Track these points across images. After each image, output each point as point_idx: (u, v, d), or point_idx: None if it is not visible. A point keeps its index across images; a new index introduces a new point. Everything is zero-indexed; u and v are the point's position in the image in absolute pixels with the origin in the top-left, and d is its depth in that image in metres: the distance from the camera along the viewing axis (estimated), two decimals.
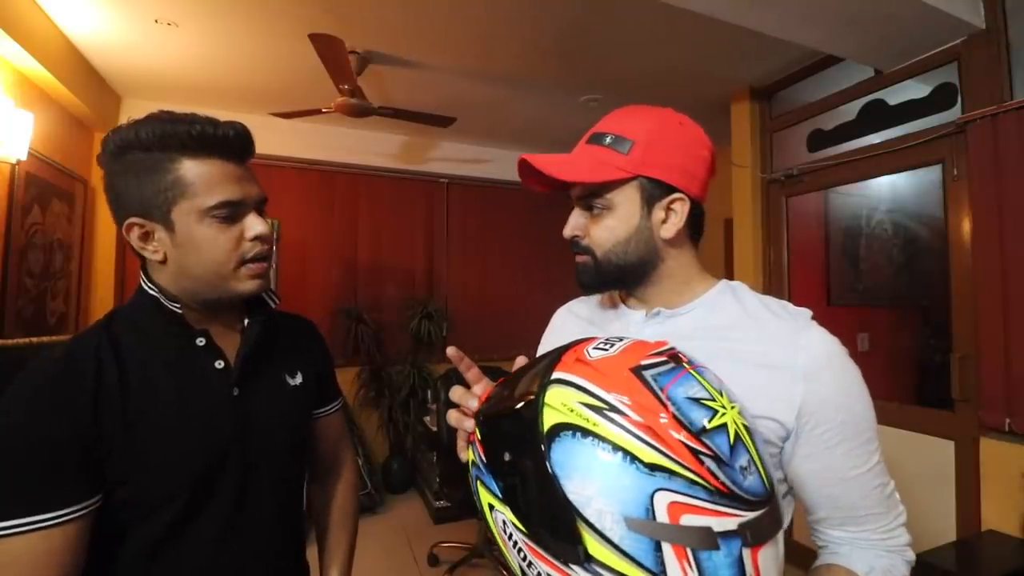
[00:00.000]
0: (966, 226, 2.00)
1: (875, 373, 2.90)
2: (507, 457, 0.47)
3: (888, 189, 2.69)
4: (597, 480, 0.41)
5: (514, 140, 4.06)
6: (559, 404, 0.45)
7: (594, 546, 0.40)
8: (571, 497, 0.42)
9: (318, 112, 2.81)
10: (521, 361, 0.61)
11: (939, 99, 2.14)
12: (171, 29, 2.40)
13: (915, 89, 2.24)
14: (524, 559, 0.46)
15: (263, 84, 3.00)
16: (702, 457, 0.42)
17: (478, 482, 0.51)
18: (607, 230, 0.70)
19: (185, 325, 0.74)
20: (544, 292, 4.32)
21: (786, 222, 2.82)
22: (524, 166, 0.71)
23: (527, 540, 0.45)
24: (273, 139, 3.47)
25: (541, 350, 0.83)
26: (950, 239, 2.07)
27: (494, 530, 0.50)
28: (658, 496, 0.40)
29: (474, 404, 0.57)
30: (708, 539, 0.40)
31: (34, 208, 2.49)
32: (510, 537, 0.47)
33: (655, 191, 0.68)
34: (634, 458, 0.41)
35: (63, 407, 0.63)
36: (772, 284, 2.84)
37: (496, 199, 4.39)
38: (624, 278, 0.71)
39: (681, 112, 0.72)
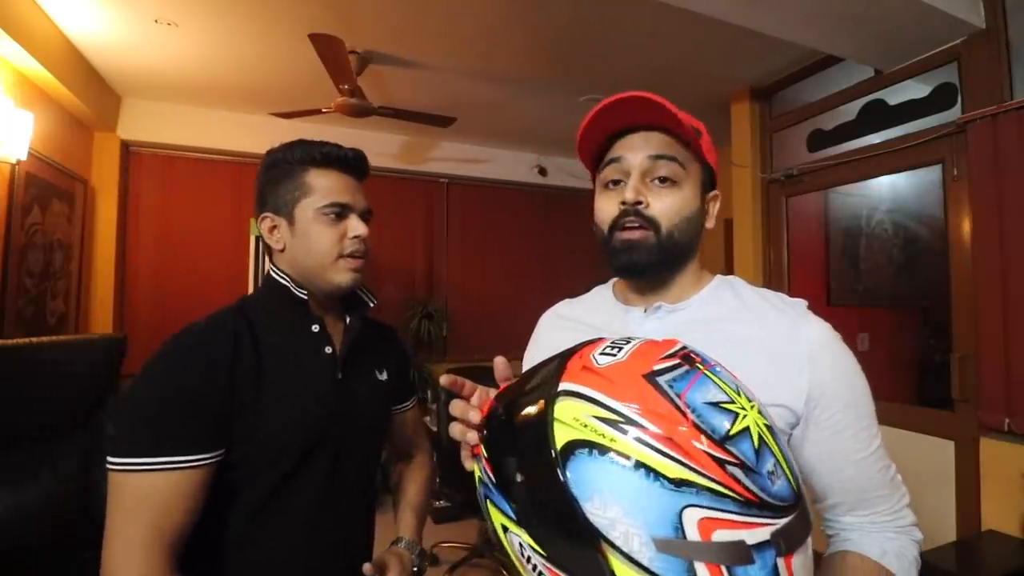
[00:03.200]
0: (966, 226, 2.00)
1: (875, 373, 2.87)
2: (519, 478, 0.44)
3: (888, 189, 2.69)
4: (620, 500, 0.38)
5: (514, 140, 4.06)
6: (571, 419, 0.42)
7: (622, 570, 0.38)
8: (593, 520, 0.39)
9: (318, 112, 2.81)
10: (500, 364, 0.57)
11: (939, 99, 2.14)
12: (171, 29, 2.40)
13: (915, 89, 2.24)
14: None
15: (263, 84, 3.00)
16: (728, 467, 0.39)
17: (488, 501, 0.48)
18: (677, 202, 0.66)
19: (307, 311, 0.86)
20: (544, 292, 4.30)
21: (786, 222, 2.82)
22: (619, 109, 0.64)
23: (548, 564, 0.42)
24: (273, 139, 3.42)
25: (528, 361, 0.80)
26: (950, 239, 2.07)
27: (510, 552, 0.47)
28: (687, 513, 0.38)
29: (476, 416, 0.54)
30: (743, 554, 0.38)
31: (34, 208, 2.49)
32: (528, 560, 0.44)
33: (708, 182, 0.71)
34: (658, 474, 0.38)
35: (206, 366, 0.75)
36: (772, 284, 2.84)
37: (496, 199, 4.39)
38: (673, 261, 0.68)
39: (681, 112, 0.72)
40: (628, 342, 0.49)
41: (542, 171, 4.31)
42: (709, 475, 0.38)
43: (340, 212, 0.85)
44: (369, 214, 0.90)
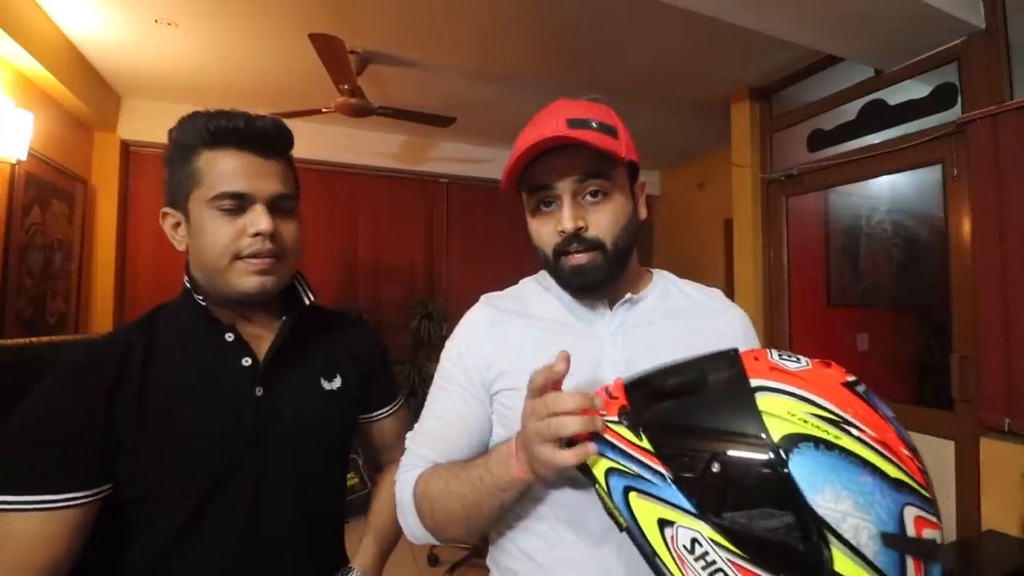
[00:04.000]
0: (966, 226, 2.00)
1: (875, 373, 2.89)
2: (715, 468, 0.44)
3: (888, 189, 2.69)
4: (853, 495, 0.40)
5: (514, 140, 4.05)
6: (784, 413, 0.43)
7: (843, 562, 0.39)
8: (822, 512, 0.40)
9: (318, 112, 2.81)
10: (545, 378, 0.55)
11: (939, 99, 2.14)
12: (171, 29, 2.40)
13: (915, 89, 2.24)
14: None
15: (263, 84, 3.00)
16: (925, 474, 0.43)
17: (632, 494, 0.47)
18: (613, 215, 0.68)
19: (212, 319, 0.73)
20: None
21: (786, 222, 2.81)
22: (533, 150, 0.66)
23: (735, 559, 0.42)
24: None
25: (460, 358, 0.78)
26: (950, 239, 2.06)
27: (660, 547, 0.46)
28: (907, 511, 0.41)
29: (599, 402, 0.53)
30: (937, 551, 0.41)
31: (34, 208, 2.49)
32: (703, 556, 0.43)
33: (634, 175, 0.73)
34: (883, 473, 0.41)
35: (79, 398, 0.65)
36: (772, 284, 2.84)
37: (496, 199, 4.38)
38: (625, 261, 0.71)
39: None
40: (798, 357, 0.51)
41: None
42: (916, 479, 0.42)
43: (236, 204, 0.69)
44: (286, 200, 0.73)
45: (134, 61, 2.74)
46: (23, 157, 2.25)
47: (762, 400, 0.45)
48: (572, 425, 0.52)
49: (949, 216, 2.07)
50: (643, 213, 0.74)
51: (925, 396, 2.67)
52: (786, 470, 0.41)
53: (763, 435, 0.43)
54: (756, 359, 0.49)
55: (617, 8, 2.18)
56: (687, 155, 4.32)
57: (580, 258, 0.67)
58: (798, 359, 0.49)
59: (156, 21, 2.33)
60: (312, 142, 3.63)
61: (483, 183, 4.31)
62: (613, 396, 0.54)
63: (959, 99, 2.06)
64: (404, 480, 0.74)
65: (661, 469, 0.46)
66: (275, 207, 0.72)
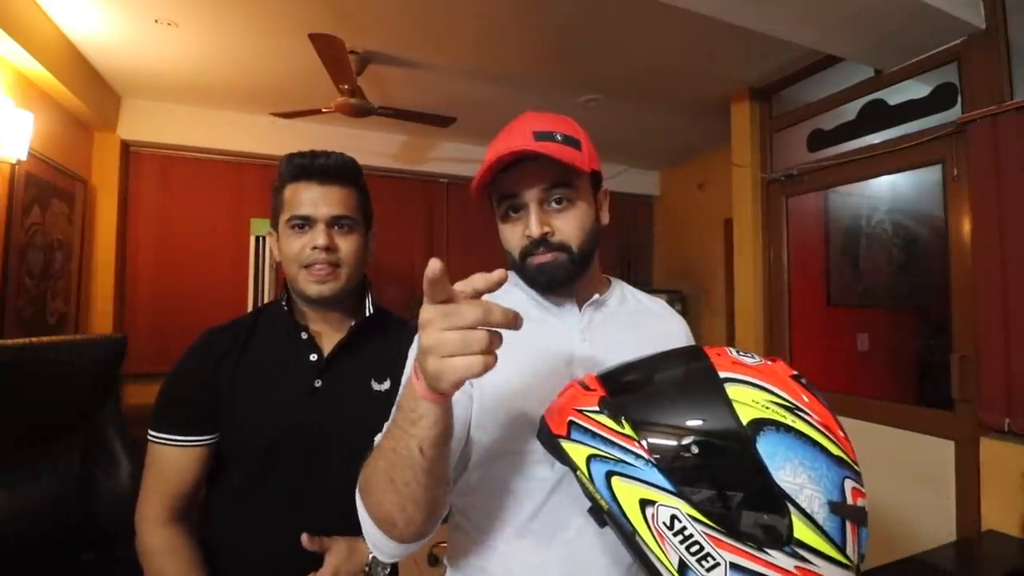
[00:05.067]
0: (966, 226, 2.00)
1: (875, 373, 2.89)
2: (694, 450, 0.49)
3: (888, 189, 2.69)
4: (807, 470, 0.47)
5: None
6: (750, 401, 0.50)
7: (801, 529, 0.46)
8: (783, 486, 0.47)
9: (318, 112, 2.81)
10: (435, 265, 0.48)
11: (939, 99, 2.14)
12: (171, 29, 2.40)
13: (915, 89, 2.24)
14: (699, 552, 0.48)
15: (263, 84, 3.00)
16: (853, 452, 0.52)
17: (615, 478, 0.52)
18: (577, 222, 0.73)
19: (293, 318, 0.92)
20: None
21: (786, 222, 2.81)
22: (504, 161, 0.69)
23: (711, 531, 0.47)
24: (273, 139, 3.47)
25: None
26: (950, 239, 2.06)
27: (641, 526, 0.50)
28: (846, 483, 0.49)
29: (484, 283, 0.51)
30: (865, 517, 0.50)
31: (34, 208, 2.49)
32: (679, 532, 0.48)
33: (597, 183, 0.78)
34: (827, 452, 0.49)
35: (197, 366, 0.89)
36: (772, 284, 2.84)
37: None
38: (587, 264, 0.76)
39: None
40: (751, 354, 0.58)
41: None
42: (851, 456, 0.50)
43: (302, 224, 0.89)
44: (341, 220, 0.91)
45: (134, 61, 2.74)
46: (23, 157, 2.25)
47: (731, 389, 0.51)
48: (479, 341, 0.46)
49: (949, 216, 2.07)
50: (605, 219, 0.80)
51: (925, 396, 2.67)
52: (754, 450, 0.48)
53: (734, 420, 0.49)
54: (719, 355, 0.56)
55: (617, 8, 2.18)
56: (687, 155, 4.32)
57: (544, 257, 0.73)
58: (752, 355, 0.56)
59: (156, 21, 2.33)
60: (312, 142, 3.61)
61: None
62: (590, 388, 0.58)
63: (959, 99, 2.06)
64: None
65: (643, 453, 0.51)
66: (335, 225, 0.90)
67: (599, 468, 0.53)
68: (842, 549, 0.47)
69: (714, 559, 0.47)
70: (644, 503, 0.50)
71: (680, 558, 0.48)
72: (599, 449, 0.53)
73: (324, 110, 2.75)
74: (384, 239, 4.01)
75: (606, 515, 0.54)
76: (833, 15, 1.89)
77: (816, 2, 1.81)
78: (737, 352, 0.57)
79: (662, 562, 0.49)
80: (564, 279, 0.74)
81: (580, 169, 0.71)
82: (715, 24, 1.92)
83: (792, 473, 0.47)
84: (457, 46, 2.55)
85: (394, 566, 0.90)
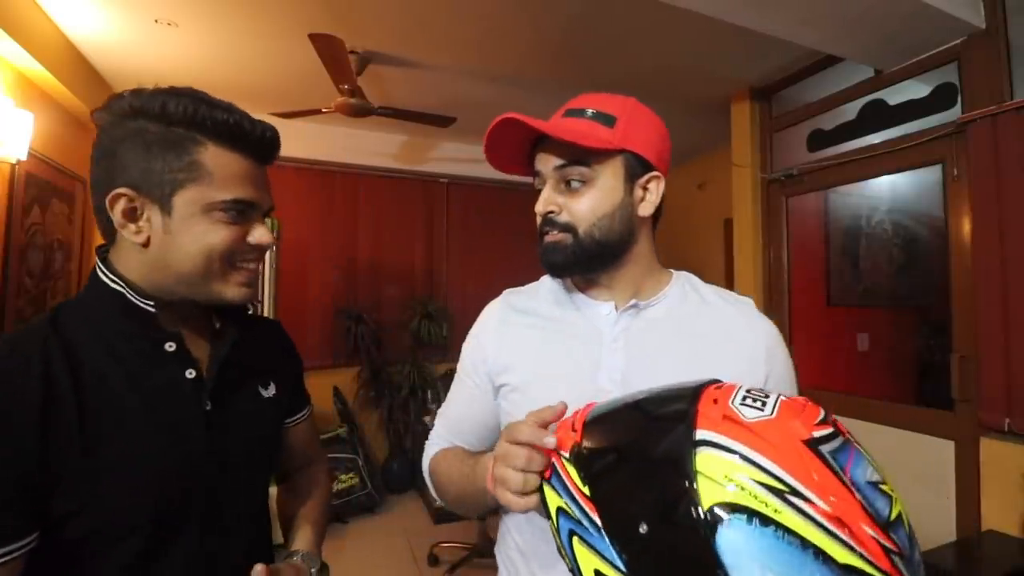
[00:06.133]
0: (966, 226, 2.00)
1: (875, 373, 2.89)
2: (643, 530, 0.40)
3: (888, 189, 2.69)
4: None
5: None
6: (721, 477, 0.38)
7: None
8: None
9: (318, 112, 2.81)
10: (551, 416, 0.53)
11: (939, 99, 2.14)
12: (171, 29, 2.40)
13: (915, 89, 2.24)
14: None
15: (263, 84, 3.00)
16: (893, 556, 0.37)
17: (575, 538, 0.44)
18: (590, 204, 0.68)
19: (155, 327, 0.64)
20: None
21: (786, 222, 2.81)
22: (503, 130, 0.68)
23: None
24: None
25: (476, 349, 0.79)
26: (950, 239, 2.06)
27: None
28: None
29: (552, 442, 0.49)
30: None
31: (34, 208, 2.49)
32: None
33: (637, 168, 0.70)
34: (827, 557, 0.35)
35: (3, 437, 0.53)
36: (772, 284, 2.84)
37: (496, 199, 4.39)
38: (603, 257, 0.70)
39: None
40: (766, 395, 0.44)
41: None
42: (878, 565, 0.36)
43: (244, 212, 0.65)
44: (271, 213, 0.72)
45: (134, 61, 2.74)
46: (23, 157, 2.25)
47: (701, 458, 0.40)
48: (514, 457, 0.51)
49: (949, 216, 2.07)
50: (644, 209, 0.71)
51: (925, 396, 2.67)
52: (712, 544, 0.37)
53: (692, 501, 0.38)
54: (715, 402, 0.44)
55: (617, 8, 2.18)
56: (687, 155, 4.31)
57: (552, 236, 0.70)
58: (764, 402, 0.43)
59: (156, 21, 2.33)
60: (312, 142, 3.63)
61: (483, 183, 4.31)
62: (574, 429, 0.50)
63: (959, 99, 2.06)
64: (426, 453, 0.86)
65: (597, 520, 0.43)
66: (267, 219, 0.71)
67: (564, 524, 0.46)
68: None
69: None
70: (598, 574, 0.42)
71: None
72: (566, 504, 0.46)
73: (324, 110, 2.75)
74: (384, 239, 4.04)
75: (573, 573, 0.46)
76: (833, 16, 1.89)
77: (817, 3, 1.81)
78: (744, 398, 0.44)
79: None
80: (563, 263, 0.69)
81: (588, 147, 0.66)
82: (716, 24, 1.92)
83: None
84: (458, 46, 2.55)
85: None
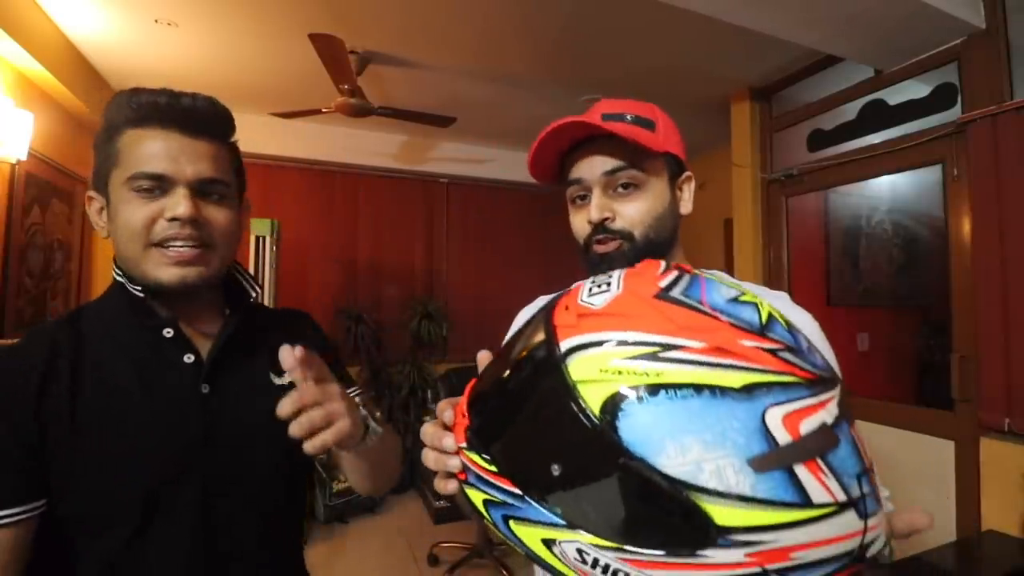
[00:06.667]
0: (966, 226, 2.00)
1: (875, 373, 2.89)
2: (557, 471, 0.37)
3: (888, 189, 2.69)
4: (697, 437, 0.33)
5: (514, 140, 4.06)
6: (596, 374, 0.36)
7: (723, 513, 0.33)
8: (674, 473, 0.33)
9: (318, 112, 2.81)
10: (485, 357, 0.50)
11: (939, 99, 2.14)
12: (171, 29, 2.40)
13: (915, 89, 2.24)
14: None
15: (263, 84, 3.00)
16: (780, 354, 0.36)
17: (511, 522, 0.41)
18: (646, 206, 0.68)
19: (150, 313, 0.67)
20: (544, 291, 4.31)
21: (786, 222, 2.81)
22: (553, 136, 0.66)
23: (625, 556, 0.36)
24: (273, 139, 3.47)
25: None
26: (950, 239, 2.06)
27: (560, 567, 0.39)
28: (769, 416, 0.33)
29: (450, 443, 0.46)
30: (829, 437, 0.34)
31: (34, 208, 2.49)
32: (594, 564, 0.37)
33: (676, 169, 0.72)
34: (724, 389, 0.34)
35: (2, 403, 0.59)
36: (772, 284, 2.84)
37: (496, 199, 4.39)
38: (657, 257, 0.69)
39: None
40: (609, 276, 0.42)
41: None
42: (771, 369, 0.35)
43: (155, 185, 0.63)
44: (216, 185, 0.67)
45: (134, 61, 2.74)
46: (23, 157, 2.25)
47: (572, 368, 0.37)
48: (426, 459, 0.47)
49: (949, 216, 2.07)
50: (685, 208, 0.73)
51: (925, 396, 2.67)
52: (620, 444, 0.34)
53: (582, 413, 0.36)
54: (567, 308, 0.41)
55: (617, 8, 2.18)
56: (687, 155, 4.32)
57: (606, 247, 0.68)
58: (608, 283, 0.41)
59: (156, 21, 2.33)
60: (312, 142, 3.63)
61: (483, 183, 4.31)
62: (464, 416, 0.45)
63: (959, 99, 2.06)
64: None
65: (514, 489, 0.40)
66: (202, 192, 0.66)
67: (495, 514, 0.42)
68: (805, 503, 0.33)
69: None
70: (547, 543, 0.39)
71: None
72: (487, 492, 0.42)
73: (324, 110, 2.75)
74: (384, 239, 4.04)
75: (536, 563, 0.42)
76: (833, 15, 1.89)
77: (816, 3, 1.81)
78: (591, 288, 0.42)
79: None
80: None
81: (647, 148, 0.65)
82: (715, 24, 1.92)
83: (678, 452, 0.33)
84: (457, 46, 2.55)
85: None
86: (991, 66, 1.94)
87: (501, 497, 0.41)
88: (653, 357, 0.35)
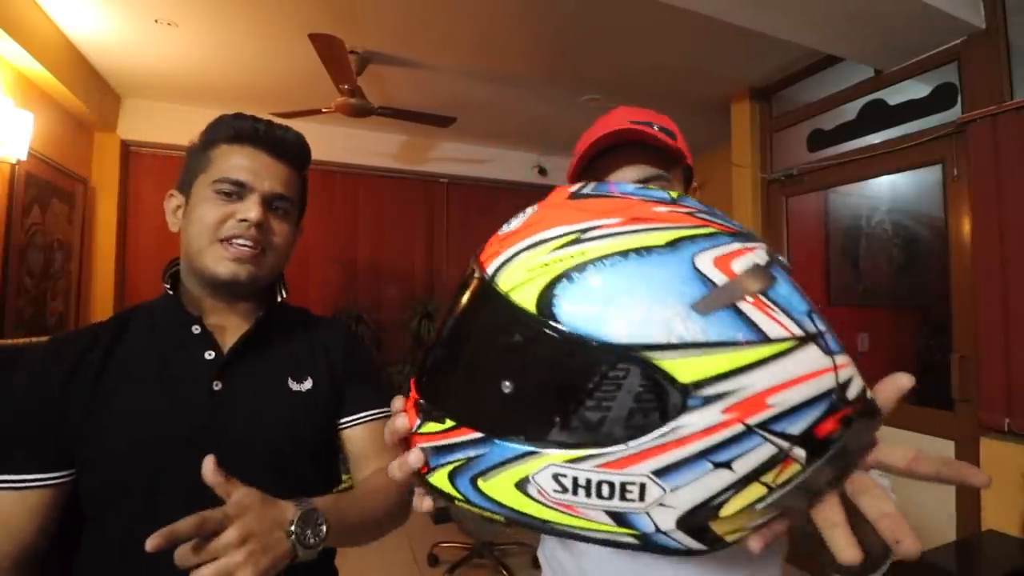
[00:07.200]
0: (966, 226, 2.00)
1: (875, 373, 2.86)
2: (509, 388, 0.36)
3: (888, 189, 2.69)
4: (635, 297, 0.33)
5: (514, 140, 4.06)
6: (525, 274, 0.36)
7: (683, 367, 0.32)
8: (624, 340, 0.32)
9: (318, 112, 2.81)
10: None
11: (939, 99, 2.14)
12: (171, 29, 2.40)
13: (915, 89, 2.24)
14: (612, 490, 0.34)
15: (263, 84, 3.00)
16: (697, 215, 0.38)
17: (480, 481, 0.38)
18: None
19: (183, 310, 0.75)
20: None
21: (786, 222, 2.81)
22: (596, 141, 0.68)
23: (601, 459, 0.34)
24: None
25: None
26: (950, 239, 2.07)
27: (542, 512, 0.37)
28: (699, 260, 0.34)
29: (401, 422, 0.43)
30: (765, 274, 0.35)
31: (34, 208, 2.49)
32: (575, 487, 0.35)
33: (689, 178, 0.75)
34: (649, 248, 0.34)
35: (42, 375, 0.68)
36: None
37: (496, 199, 4.39)
38: None
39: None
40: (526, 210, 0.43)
41: (542, 171, 4.31)
42: (690, 224, 0.36)
43: (235, 190, 0.72)
44: (283, 200, 0.76)
45: (134, 61, 2.74)
46: (23, 157, 2.25)
47: (502, 281, 0.37)
48: (392, 471, 0.44)
49: (949, 216, 2.07)
50: None
51: (925, 396, 2.67)
52: (561, 328, 0.33)
53: (520, 314, 0.35)
54: (490, 244, 0.42)
55: (617, 8, 2.18)
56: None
57: None
58: (524, 211, 0.43)
59: (156, 21, 2.33)
60: (312, 142, 3.54)
61: (483, 183, 4.31)
62: (412, 396, 0.44)
63: (959, 99, 2.06)
64: None
65: (473, 435, 0.38)
66: (271, 205, 0.75)
67: (463, 481, 0.39)
68: (761, 338, 0.32)
69: (633, 482, 0.34)
70: (520, 486, 0.37)
71: (606, 511, 0.35)
72: (450, 461, 0.40)
73: (324, 110, 2.75)
74: (384, 239, 4.03)
75: (512, 525, 0.40)
76: (833, 15, 1.89)
77: (816, 3, 1.81)
78: (513, 219, 0.43)
79: (597, 530, 0.36)
80: None
81: (678, 157, 0.69)
82: (715, 24, 1.92)
83: (620, 316, 0.32)
84: (457, 46, 2.55)
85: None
86: (991, 66, 1.94)
87: (463, 455, 0.38)
88: (574, 242, 0.35)
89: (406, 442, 0.43)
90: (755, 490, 0.34)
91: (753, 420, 0.32)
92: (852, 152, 2.45)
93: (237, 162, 0.73)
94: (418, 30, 2.41)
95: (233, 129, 0.74)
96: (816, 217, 2.93)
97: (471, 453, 0.38)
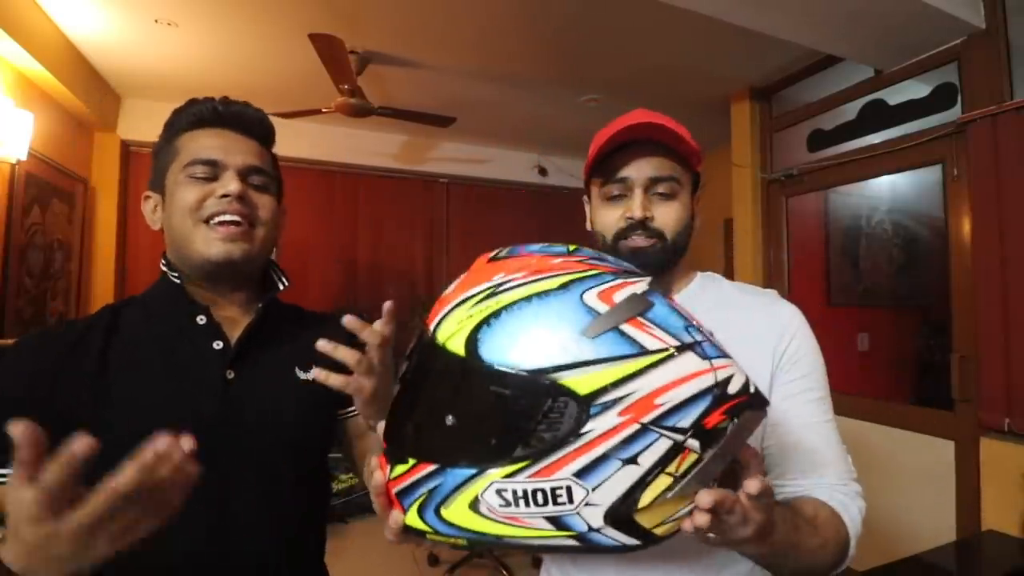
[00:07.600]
0: (966, 226, 2.00)
1: (875, 373, 2.89)
2: (451, 421, 0.43)
3: (888, 189, 2.69)
4: (537, 331, 0.41)
5: (514, 140, 4.06)
6: (455, 326, 0.44)
7: (582, 382, 0.40)
8: (533, 365, 0.40)
9: (318, 112, 2.81)
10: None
11: (939, 99, 2.14)
12: (171, 29, 2.40)
13: (915, 89, 2.24)
14: (545, 497, 0.40)
15: (263, 84, 3.00)
16: (587, 261, 0.47)
17: (442, 509, 0.43)
18: (679, 213, 0.74)
19: (187, 299, 0.73)
20: None
21: (786, 222, 2.81)
22: (614, 134, 0.70)
23: (531, 470, 0.40)
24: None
25: None
26: (950, 239, 2.06)
27: (494, 528, 0.42)
28: (586, 297, 0.43)
29: (378, 477, 0.48)
30: (641, 300, 0.44)
31: (34, 208, 2.49)
32: (515, 500, 0.41)
33: (696, 185, 0.79)
34: (546, 292, 0.43)
35: (24, 371, 0.65)
36: (772, 284, 2.84)
37: (496, 199, 4.39)
38: (676, 259, 0.76)
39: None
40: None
41: (542, 171, 4.31)
42: (580, 269, 0.45)
43: (209, 171, 0.71)
44: (260, 173, 0.75)
45: (134, 61, 2.74)
46: (23, 157, 2.25)
47: (440, 333, 0.45)
48: (377, 509, 0.48)
49: (949, 216, 2.07)
50: (698, 222, 0.80)
51: (925, 396, 2.67)
52: (485, 364, 0.41)
53: (453, 359, 0.43)
54: (436, 305, 0.50)
55: (617, 8, 2.18)
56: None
57: (642, 242, 0.73)
58: (460, 277, 0.51)
59: (156, 21, 2.33)
60: (312, 142, 3.63)
61: (483, 183, 4.31)
62: (382, 446, 0.49)
63: (959, 99, 2.06)
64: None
65: (429, 468, 0.44)
66: (248, 178, 0.74)
67: (428, 513, 0.44)
68: (641, 351, 0.40)
69: (560, 486, 0.40)
70: (472, 506, 0.42)
71: (544, 518, 0.41)
72: (415, 496, 0.44)
73: (324, 110, 2.75)
74: (384, 239, 4.03)
75: (476, 548, 0.46)
76: (833, 15, 1.89)
77: (816, 3, 1.81)
78: (455, 281, 0.51)
79: (541, 537, 0.42)
80: (653, 265, 0.71)
81: (692, 158, 0.73)
82: (715, 24, 1.92)
83: (528, 346, 0.40)
84: (457, 46, 2.55)
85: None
86: (991, 66, 1.94)
87: (425, 488, 0.44)
88: (491, 295, 0.44)
89: (388, 497, 0.48)
90: (663, 481, 0.41)
91: (647, 419, 0.40)
92: (852, 152, 2.45)
93: (205, 142, 0.73)
94: (418, 30, 2.40)
95: (193, 115, 0.74)
96: (816, 217, 2.93)
97: (431, 485, 0.43)
